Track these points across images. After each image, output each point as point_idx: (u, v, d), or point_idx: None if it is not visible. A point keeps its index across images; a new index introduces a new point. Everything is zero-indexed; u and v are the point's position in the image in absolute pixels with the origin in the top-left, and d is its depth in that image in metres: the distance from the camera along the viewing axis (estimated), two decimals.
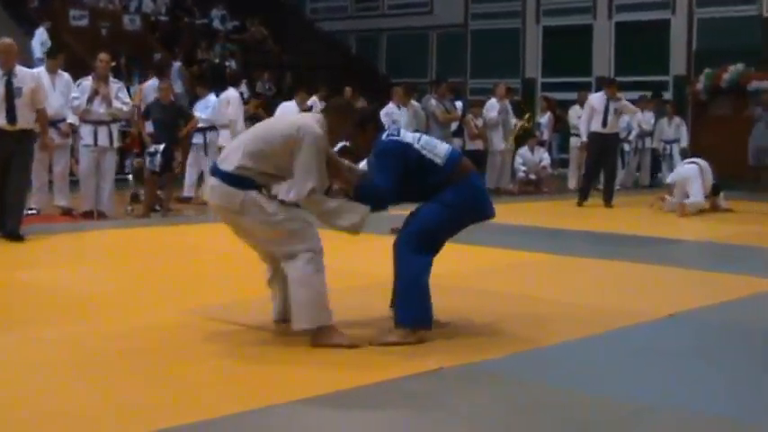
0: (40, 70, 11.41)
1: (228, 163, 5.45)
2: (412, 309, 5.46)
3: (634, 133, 18.26)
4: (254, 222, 5.40)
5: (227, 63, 21.24)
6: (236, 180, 5.39)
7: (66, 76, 11.89)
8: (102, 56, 11.72)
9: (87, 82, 11.53)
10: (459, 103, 16.42)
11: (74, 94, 11.49)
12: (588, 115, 14.41)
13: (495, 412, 4.30)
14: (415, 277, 5.48)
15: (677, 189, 13.37)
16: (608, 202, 14.23)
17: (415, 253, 5.50)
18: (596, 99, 14.49)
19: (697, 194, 13.06)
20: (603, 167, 14.51)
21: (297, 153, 5.33)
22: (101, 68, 11.54)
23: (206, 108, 13.76)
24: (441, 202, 5.51)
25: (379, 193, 5.51)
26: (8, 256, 8.64)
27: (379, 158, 5.55)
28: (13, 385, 4.59)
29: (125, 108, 11.79)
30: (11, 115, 9.21)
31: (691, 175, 13.26)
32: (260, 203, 5.39)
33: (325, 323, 5.36)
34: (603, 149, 14.29)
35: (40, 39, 18.00)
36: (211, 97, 14.01)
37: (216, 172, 5.49)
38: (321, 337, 5.33)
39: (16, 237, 9.22)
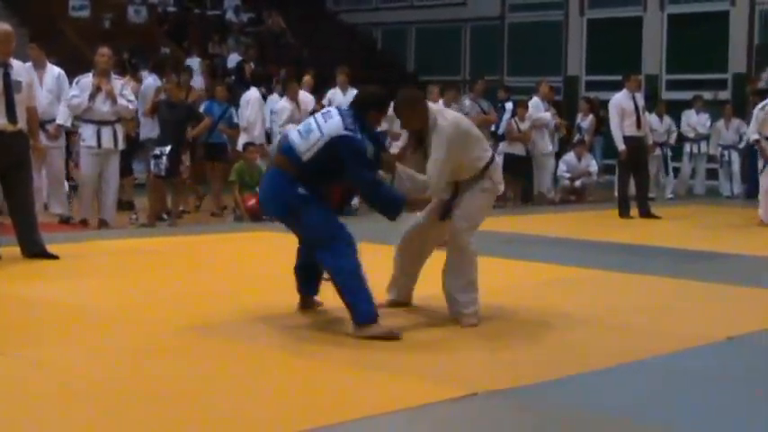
0: (29, 64, 11.31)
1: None
2: None
3: (674, 136, 18.05)
4: None
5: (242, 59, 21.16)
6: None
7: (56, 70, 11.84)
8: (104, 50, 11.69)
9: (87, 79, 11.49)
10: (509, 105, 16.25)
11: (73, 92, 11.44)
12: (619, 118, 14.04)
13: None
14: None
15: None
16: (645, 212, 14.06)
17: None
18: (623, 98, 14.17)
19: None
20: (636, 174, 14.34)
21: None
22: (102, 63, 11.51)
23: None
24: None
25: None
26: (4, 269, 8.59)
27: None
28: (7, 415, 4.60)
29: (130, 106, 11.77)
30: (11, 113, 8.76)
31: None
32: None
33: None
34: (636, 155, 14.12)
35: None
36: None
37: None
38: None
39: (49, 254, 8.91)
